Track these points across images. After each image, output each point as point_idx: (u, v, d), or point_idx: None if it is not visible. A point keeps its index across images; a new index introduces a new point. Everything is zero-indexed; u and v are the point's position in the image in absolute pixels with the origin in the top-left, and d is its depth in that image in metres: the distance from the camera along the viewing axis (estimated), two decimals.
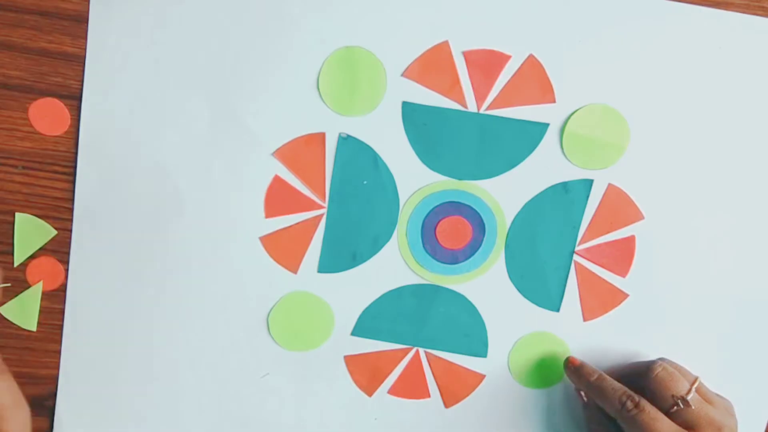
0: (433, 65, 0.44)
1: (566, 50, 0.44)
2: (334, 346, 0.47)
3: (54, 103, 0.44)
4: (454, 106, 0.44)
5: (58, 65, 0.44)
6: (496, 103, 0.44)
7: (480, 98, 0.44)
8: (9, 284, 0.46)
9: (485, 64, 0.44)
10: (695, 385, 0.42)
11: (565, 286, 0.47)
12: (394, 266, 0.46)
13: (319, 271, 0.46)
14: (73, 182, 0.45)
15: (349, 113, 0.44)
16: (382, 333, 0.47)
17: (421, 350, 0.48)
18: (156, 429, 0.48)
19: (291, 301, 0.46)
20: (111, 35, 0.43)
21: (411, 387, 0.48)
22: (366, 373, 0.48)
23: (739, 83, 0.44)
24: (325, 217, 0.46)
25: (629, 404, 0.42)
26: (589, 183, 0.45)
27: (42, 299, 0.46)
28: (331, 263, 0.46)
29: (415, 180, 0.45)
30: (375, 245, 0.46)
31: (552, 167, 0.45)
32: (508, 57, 0.44)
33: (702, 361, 0.47)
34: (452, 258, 0.46)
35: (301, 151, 0.45)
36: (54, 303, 0.46)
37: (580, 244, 0.46)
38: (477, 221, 0.46)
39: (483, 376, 0.48)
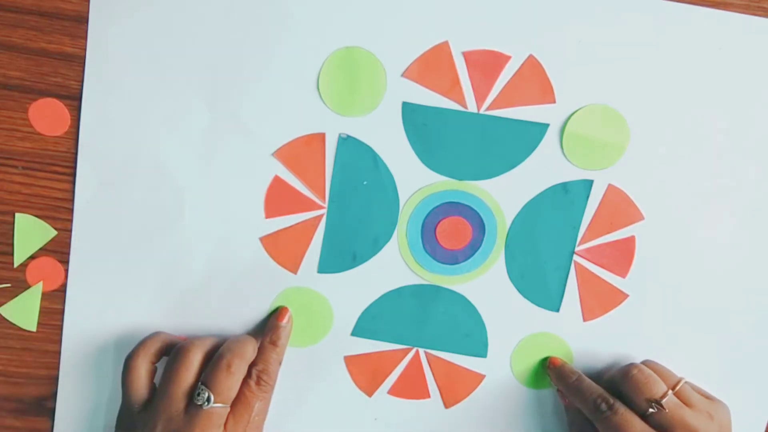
0: (433, 65, 0.44)
1: (566, 50, 0.44)
2: (334, 347, 0.47)
3: (54, 103, 0.44)
4: (454, 106, 0.44)
5: (58, 65, 0.44)
6: (496, 104, 0.44)
7: (480, 98, 0.44)
8: (9, 285, 0.46)
9: (485, 64, 0.44)
10: (677, 388, 0.42)
11: (565, 286, 0.47)
12: (394, 266, 0.46)
13: (319, 271, 0.46)
14: (73, 182, 0.45)
15: (349, 113, 0.44)
16: (382, 333, 0.47)
17: (421, 350, 0.48)
18: None
19: (289, 296, 0.46)
20: (111, 35, 0.43)
21: (411, 387, 0.48)
22: (366, 373, 0.48)
23: (739, 84, 0.44)
24: (325, 217, 0.46)
25: (603, 406, 0.42)
26: (589, 183, 0.45)
27: (42, 299, 0.46)
28: (331, 263, 0.46)
29: (415, 180, 0.45)
30: (375, 245, 0.46)
31: (552, 167, 0.45)
32: (508, 57, 0.44)
33: (702, 361, 0.47)
34: (452, 258, 0.46)
35: (301, 152, 0.45)
36: (54, 303, 0.46)
37: (580, 244, 0.46)
38: (477, 221, 0.46)
39: (483, 377, 0.48)
